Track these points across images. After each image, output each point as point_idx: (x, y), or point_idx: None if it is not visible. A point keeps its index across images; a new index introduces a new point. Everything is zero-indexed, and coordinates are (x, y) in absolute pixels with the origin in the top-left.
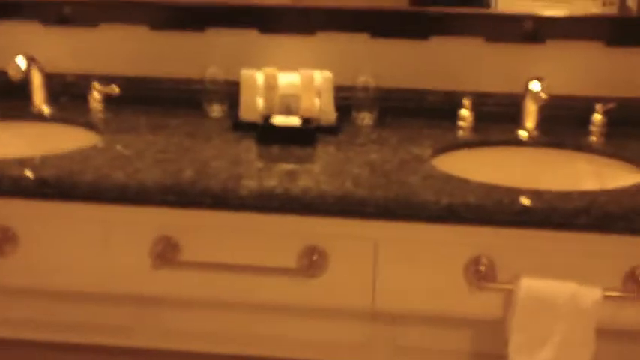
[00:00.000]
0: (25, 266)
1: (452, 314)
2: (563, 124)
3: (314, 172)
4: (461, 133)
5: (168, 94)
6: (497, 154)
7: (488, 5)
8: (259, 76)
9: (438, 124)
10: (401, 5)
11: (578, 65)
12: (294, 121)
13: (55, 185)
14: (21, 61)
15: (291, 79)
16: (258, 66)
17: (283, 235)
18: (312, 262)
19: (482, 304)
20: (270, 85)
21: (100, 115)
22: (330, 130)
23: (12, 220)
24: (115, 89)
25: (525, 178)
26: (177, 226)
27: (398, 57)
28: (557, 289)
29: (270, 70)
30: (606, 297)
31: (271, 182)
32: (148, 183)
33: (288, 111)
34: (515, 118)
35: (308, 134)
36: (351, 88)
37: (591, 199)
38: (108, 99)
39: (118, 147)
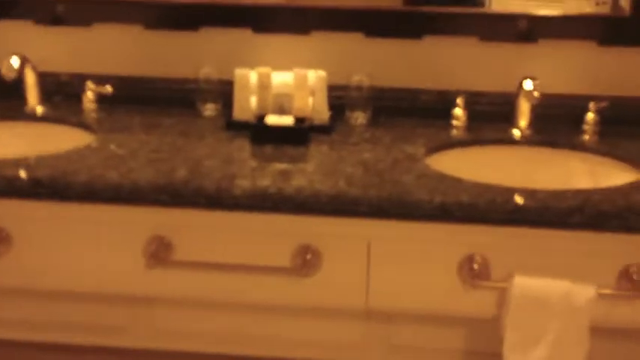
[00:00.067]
0: (18, 266)
1: (446, 313)
2: (557, 122)
3: (307, 172)
4: (454, 132)
5: (161, 94)
6: (490, 153)
7: (481, 4)
8: (253, 76)
9: (432, 123)
10: (395, 4)
11: (572, 64)
12: (287, 120)
13: (48, 185)
14: (14, 61)
15: (284, 79)
16: (251, 65)
17: (277, 235)
18: (306, 261)
19: (477, 302)
20: (264, 85)
21: (94, 115)
22: (324, 130)
23: (5, 220)
24: (108, 89)
25: (519, 177)
26: (170, 225)
27: (392, 56)
28: (551, 288)
29: (263, 69)
30: (600, 295)
31: (265, 182)
32: (142, 182)
33: (281, 110)
34: (509, 117)
35: (301, 133)
36: (345, 88)
37: (585, 197)
38: (101, 98)
39: (112, 146)
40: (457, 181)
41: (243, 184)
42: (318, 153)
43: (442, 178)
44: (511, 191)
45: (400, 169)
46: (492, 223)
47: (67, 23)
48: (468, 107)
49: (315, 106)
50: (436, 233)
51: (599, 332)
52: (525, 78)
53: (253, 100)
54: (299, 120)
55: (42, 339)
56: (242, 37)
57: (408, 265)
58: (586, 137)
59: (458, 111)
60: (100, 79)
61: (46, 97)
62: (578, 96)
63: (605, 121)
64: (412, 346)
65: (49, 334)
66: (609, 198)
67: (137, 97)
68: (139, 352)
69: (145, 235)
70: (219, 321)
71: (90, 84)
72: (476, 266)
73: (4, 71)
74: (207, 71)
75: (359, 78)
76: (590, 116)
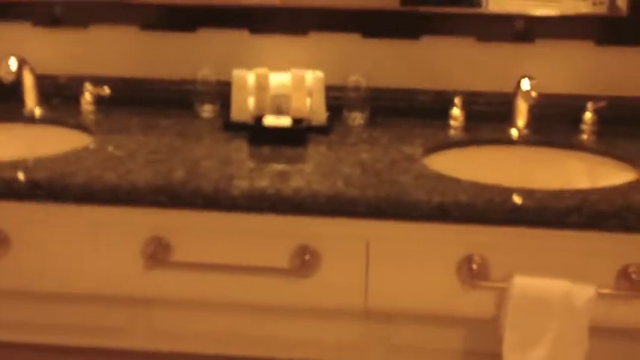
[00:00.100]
0: (16, 268)
1: (445, 313)
2: (554, 122)
3: (305, 172)
4: (452, 132)
5: (159, 95)
6: (488, 153)
7: (479, 5)
8: (250, 77)
9: (429, 123)
10: (392, 5)
11: (569, 64)
12: (285, 121)
13: (46, 187)
14: (12, 63)
15: (282, 80)
16: (249, 66)
17: (275, 235)
18: (305, 262)
19: (476, 302)
20: (262, 86)
21: (92, 117)
22: (322, 130)
23: (3, 222)
24: (106, 90)
25: (517, 177)
26: (169, 226)
27: (389, 57)
28: (550, 288)
29: (261, 70)
30: (599, 295)
31: (263, 182)
32: (140, 184)
33: (279, 111)
34: (507, 117)
35: (299, 134)
36: (342, 88)
37: (583, 197)
38: (99, 100)
39: (110, 148)
40: (455, 181)
41: (241, 184)
42: (315, 154)
43: (440, 178)
44: (509, 191)
45: (398, 170)
46: (491, 223)
47: (64, 25)
48: (465, 107)
49: (312, 106)
50: (435, 233)
51: (598, 332)
52: (523, 78)
53: (251, 101)
54: (297, 121)
55: (41, 341)
56: (239, 38)
57: (406, 266)
58: (584, 137)
59: (455, 111)
60: (97, 81)
61: (44, 99)
62: (575, 96)
63: (603, 120)
64: (411, 347)
65: (48, 336)
66: (607, 198)
67: (135, 99)
68: (137, 354)
69: (144, 236)
70: (218, 322)
71: (88, 85)
72: (475, 266)
73: (2, 73)
74: (205, 72)
75: (356, 78)
76: (587, 116)
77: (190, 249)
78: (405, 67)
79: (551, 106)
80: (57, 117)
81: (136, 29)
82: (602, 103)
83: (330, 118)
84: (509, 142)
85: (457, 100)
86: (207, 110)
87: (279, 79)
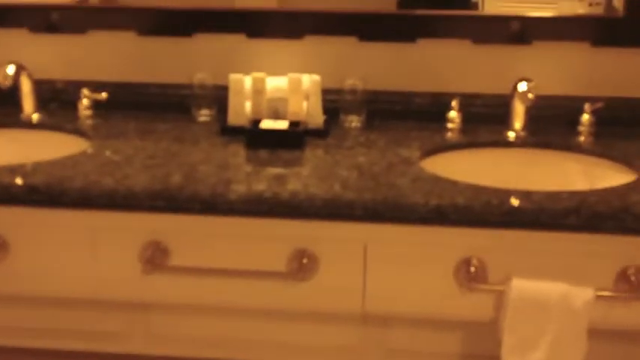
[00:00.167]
0: (14, 273)
1: (443, 316)
2: (552, 124)
3: (302, 176)
4: (449, 134)
5: (156, 100)
6: (485, 155)
7: (474, 7)
8: (247, 81)
9: (426, 126)
10: (388, 8)
11: (566, 65)
12: (282, 124)
13: (44, 192)
14: (10, 69)
15: (278, 83)
16: (246, 70)
17: (273, 239)
18: (302, 265)
19: (474, 305)
20: (258, 90)
21: (89, 122)
22: (318, 134)
23: (1, 226)
24: (103, 95)
25: (514, 179)
26: (166, 231)
27: (385, 60)
28: (548, 290)
29: (258, 74)
30: (598, 297)
31: (260, 186)
32: (137, 188)
33: (276, 115)
34: (504, 119)
35: (296, 138)
36: (339, 91)
37: (581, 199)
38: (97, 105)
39: (107, 153)
40: (452, 184)
41: (238, 188)
42: (313, 157)
43: (437, 180)
44: (507, 193)
45: (395, 173)
46: (488, 226)
47: (61, 31)
48: (462, 110)
49: (309, 110)
50: (432, 236)
51: (597, 334)
52: (520, 80)
53: (248, 105)
54: (293, 124)
55: (39, 345)
56: (236, 42)
57: (404, 269)
58: (581, 138)
59: (452, 113)
60: (95, 86)
61: (41, 104)
62: (572, 97)
63: (601, 122)
64: (409, 350)
65: (46, 341)
66: (605, 199)
67: (132, 104)
68: (135, 358)
69: (141, 240)
70: (216, 326)
71: (85, 91)
72: (473, 269)
73: (0, 79)
74: (202, 77)
75: (353, 82)
76: (585, 117)
77: (188, 253)
78: (402, 69)
79: (549, 108)
80: (54, 122)
81: (133, 34)
82: (599, 105)
83: (327, 122)
84: (506, 144)
85: (454, 103)
86: (204, 114)
87: (275, 83)
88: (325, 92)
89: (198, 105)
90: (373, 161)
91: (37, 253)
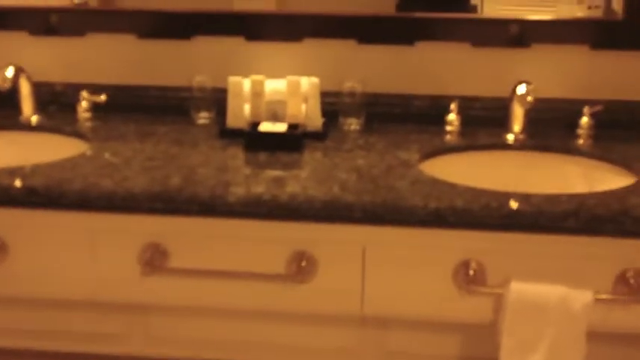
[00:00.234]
0: (13, 275)
1: (442, 319)
2: (551, 127)
3: (301, 178)
4: (448, 137)
5: (155, 102)
6: (484, 158)
7: (474, 10)
8: (246, 83)
9: (425, 128)
10: (387, 11)
11: (565, 69)
12: (281, 127)
13: (43, 194)
14: (9, 71)
15: (277, 86)
16: (245, 73)
17: (271, 241)
18: (301, 267)
19: (472, 308)
20: (257, 92)
21: (88, 124)
22: (317, 136)
23: (1, 228)
24: (102, 98)
25: (513, 182)
26: (165, 233)
27: (384, 62)
28: (547, 293)
29: (256, 77)
30: (597, 300)
31: (259, 188)
32: (136, 190)
33: (275, 117)
34: (503, 122)
35: (295, 140)
36: (338, 94)
37: (580, 201)
38: (96, 107)
39: (106, 155)
40: (451, 187)
41: (237, 191)
42: (311, 159)
43: (436, 183)
44: (506, 196)
45: (394, 175)
46: (487, 229)
47: (60, 33)
48: (461, 112)
49: (308, 112)
50: (431, 239)
51: (596, 337)
52: (519, 83)
53: (247, 108)
54: (292, 127)
55: (37, 347)
56: (235, 45)
57: (403, 271)
58: (580, 141)
59: (451, 116)
60: (94, 88)
61: (40, 106)
62: (571, 100)
63: (600, 125)
64: (407, 353)
65: (45, 342)
66: (604, 202)
67: (131, 106)
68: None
69: (140, 242)
70: (215, 328)
71: (84, 93)
72: (471, 272)
73: None
74: (201, 79)
75: (352, 84)
76: (584, 120)
77: (187, 255)
78: (401, 72)
79: (547, 111)
80: (53, 124)
81: (132, 37)
82: (598, 108)
83: (326, 124)
84: (505, 147)
85: (453, 106)
86: (203, 117)
87: (274, 86)
88: (324, 95)
89: (198, 107)
90: (372, 164)
91: (36, 255)
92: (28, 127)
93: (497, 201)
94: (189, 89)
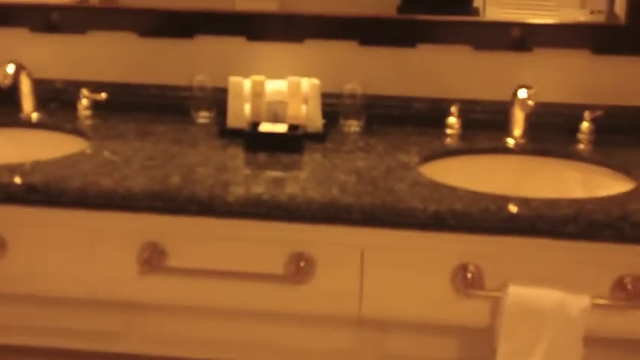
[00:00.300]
0: (12, 272)
1: (439, 322)
2: (551, 131)
3: (301, 179)
4: (448, 140)
5: (156, 101)
6: (484, 161)
7: (476, 13)
8: (247, 84)
9: (425, 131)
10: (389, 13)
11: (566, 73)
12: (281, 128)
13: (43, 191)
14: (9, 68)
15: (278, 87)
16: (245, 73)
17: (270, 242)
18: (299, 268)
19: (470, 311)
20: (258, 93)
21: (88, 122)
22: (317, 137)
23: (0, 225)
24: (102, 96)
25: (513, 186)
26: (164, 232)
27: (385, 64)
28: (545, 297)
29: (257, 77)
30: (594, 305)
31: (258, 189)
32: (135, 189)
33: (275, 118)
34: (503, 126)
35: (295, 141)
36: (339, 96)
37: (579, 206)
38: (96, 105)
39: (106, 153)
40: (451, 190)
41: (236, 191)
42: (311, 161)
43: (436, 186)
44: (505, 200)
45: (394, 178)
46: (486, 232)
47: (61, 31)
48: (462, 116)
49: (308, 113)
50: (429, 242)
51: (593, 342)
52: (520, 86)
53: (247, 108)
54: (292, 128)
55: (35, 344)
56: (236, 45)
57: (401, 274)
58: (581, 146)
59: (452, 119)
60: (94, 86)
61: (41, 103)
62: (572, 105)
63: (600, 130)
64: (405, 356)
65: (43, 340)
66: (604, 207)
67: (131, 104)
68: (132, 358)
69: (139, 241)
70: (212, 328)
71: (85, 91)
72: (469, 275)
73: (0, 78)
74: (202, 79)
75: (352, 86)
76: (585, 125)
77: (185, 255)
78: (402, 74)
79: (548, 115)
80: (54, 122)
81: (133, 35)
82: (599, 113)
83: (326, 126)
84: (505, 150)
85: (453, 109)
86: (203, 117)
87: (275, 86)
88: (325, 96)
89: (198, 107)
90: (372, 166)
91: (35, 253)
92: (28, 125)
93: (496, 205)
94: (189, 88)
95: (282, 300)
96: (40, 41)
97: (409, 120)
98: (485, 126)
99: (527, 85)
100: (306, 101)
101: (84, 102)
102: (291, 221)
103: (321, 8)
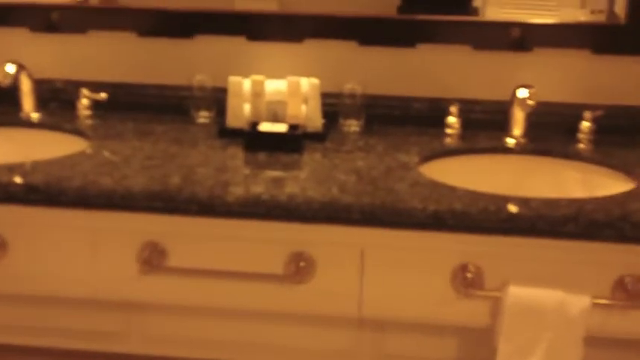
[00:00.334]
0: (12, 272)
1: (439, 322)
2: (551, 131)
3: (300, 179)
4: (448, 140)
5: (155, 101)
6: (484, 161)
7: (475, 13)
8: (246, 83)
9: (425, 131)
10: (388, 13)
11: (566, 73)
12: (280, 127)
13: (43, 191)
14: (10, 68)
15: (278, 86)
16: (245, 73)
17: (270, 242)
18: (299, 268)
19: (470, 311)
20: (257, 92)
21: (88, 121)
22: (317, 137)
23: (0, 225)
24: (102, 96)
25: (513, 186)
26: (164, 232)
27: (385, 64)
28: (545, 297)
29: (257, 77)
30: (595, 305)
31: (258, 189)
32: (135, 189)
33: (275, 118)
34: (503, 126)
35: (294, 141)
36: (338, 95)
37: (579, 206)
38: (96, 105)
39: (106, 153)
40: (450, 190)
41: (236, 191)
42: (311, 160)
43: (435, 186)
44: (505, 200)
45: (393, 177)
46: (486, 232)
47: (61, 30)
48: (461, 115)
49: (308, 113)
50: (429, 241)
51: (593, 342)
52: (520, 86)
53: (247, 108)
54: (292, 127)
55: (35, 344)
56: (236, 44)
57: (401, 274)
58: (581, 146)
59: (451, 119)
60: (94, 86)
61: (41, 103)
62: (572, 104)
63: (600, 129)
64: (405, 356)
65: (43, 340)
66: (604, 207)
67: (131, 104)
68: (132, 358)
69: (139, 241)
70: (212, 327)
71: (84, 91)
72: (469, 275)
73: (0, 78)
74: (201, 78)
75: (352, 86)
76: (585, 125)
77: (185, 255)
78: (402, 74)
79: (548, 115)
80: (54, 121)
81: (133, 35)
82: (599, 112)
83: (326, 125)
84: (505, 150)
85: (453, 108)
86: (202, 116)
87: (275, 86)
88: (324, 96)
89: (197, 107)
90: (371, 166)
91: (35, 253)
92: (28, 124)
93: (496, 205)
94: (189, 88)
95: (282, 300)
96: (40, 41)
97: (409, 120)
98: (485, 126)
99: (527, 84)
100: (305, 101)
101: (84, 102)
102: (290, 221)
103: (320, 8)
